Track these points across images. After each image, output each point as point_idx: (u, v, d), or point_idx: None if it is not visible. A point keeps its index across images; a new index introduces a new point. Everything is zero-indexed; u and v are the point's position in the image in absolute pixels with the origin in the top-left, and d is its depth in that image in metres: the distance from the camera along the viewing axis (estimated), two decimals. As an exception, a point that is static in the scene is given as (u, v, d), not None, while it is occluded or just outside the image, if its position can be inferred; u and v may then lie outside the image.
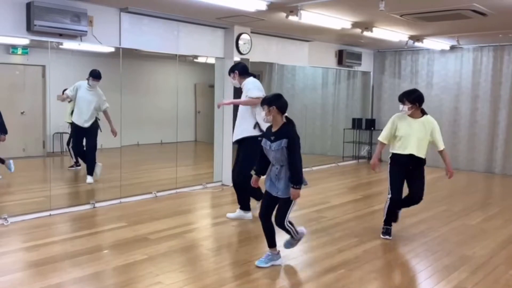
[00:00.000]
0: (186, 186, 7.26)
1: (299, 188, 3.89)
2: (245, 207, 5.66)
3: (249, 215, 5.63)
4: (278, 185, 3.96)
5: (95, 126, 7.10)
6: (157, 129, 10.03)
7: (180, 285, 3.67)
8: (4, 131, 6.59)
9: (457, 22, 6.71)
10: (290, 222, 4.10)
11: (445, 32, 7.93)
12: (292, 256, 4.43)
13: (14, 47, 6.84)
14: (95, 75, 6.88)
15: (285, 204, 4.00)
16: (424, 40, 8.54)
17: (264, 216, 4.11)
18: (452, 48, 9.61)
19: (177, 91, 7.74)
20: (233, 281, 3.78)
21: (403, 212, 6.21)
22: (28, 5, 5.25)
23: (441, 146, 4.90)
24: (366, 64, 10.74)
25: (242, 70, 5.55)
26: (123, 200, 6.36)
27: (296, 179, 3.87)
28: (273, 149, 3.90)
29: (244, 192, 5.58)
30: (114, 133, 6.97)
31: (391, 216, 5.07)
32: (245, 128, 5.40)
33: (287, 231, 4.11)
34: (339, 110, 11.00)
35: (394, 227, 5.33)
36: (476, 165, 9.44)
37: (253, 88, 5.37)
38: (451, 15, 6.21)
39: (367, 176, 9.23)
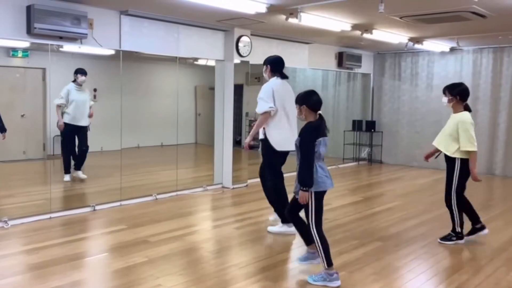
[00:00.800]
0: (186, 188, 7.26)
1: (304, 190, 3.65)
2: (283, 219, 5.12)
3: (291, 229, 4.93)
4: (296, 184, 3.82)
5: (87, 126, 7.23)
6: (158, 132, 10.01)
7: (180, 287, 3.66)
8: (3, 130, 6.60)
9: (457, 24, 6.72)
10: (320, 238, 3.73)
11: (445, 34, 7.93)
12: (294, 259, 4.43)
13: (14, 50, 6.83)
14: (82, 71, 6.90)
15: (305, 207, 3.77)
16: (424, 42, 8.55)
17: (288, 212, 4.10)
18: (452, 50, 9.62)
19: (177, 93, 7.75)
20: (234, 283, 3.78)
21: (403, 214, 6.22)
22: (28, 8, 5.26)
23: (462, 146, 4.67)
24: (366, 66, 10.75)
25: (273, 66, 5.13)
26: (123, 202, 6.36)
27: (300, 180, 3.70)
28: (296, 146, 3.80)
29: (269, 194, 5.23)
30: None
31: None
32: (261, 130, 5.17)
33: (316, 243, 3.77)
34: (339, 112, 10.99)
35: (393, 228, 5.34)
36: (477, 167, 9.36)
37: (261, 97, 5.01)
38: (450, 17, 6.22)
39: (367, 178, 9.22)
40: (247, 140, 5.16)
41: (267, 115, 4.97)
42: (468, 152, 4.70)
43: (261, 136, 5.13)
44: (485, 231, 4.94)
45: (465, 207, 4.93)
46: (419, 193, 7.68)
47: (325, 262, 3.74)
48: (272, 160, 5.13)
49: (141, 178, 8.05)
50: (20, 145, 7.31)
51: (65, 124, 7.03)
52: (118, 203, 6.30)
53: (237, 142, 10.01)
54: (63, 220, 5.57)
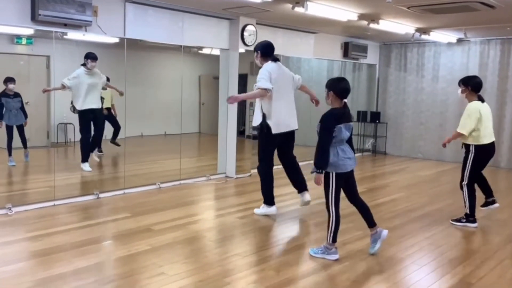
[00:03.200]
0: (190, 177, 7.26)
1: (317, 172, 3.90)
2: (267, 200, 5.44)
3: (272, 209, 5.42)
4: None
5: (101, 109, 7.28)
6: (161, 121, 10.00)
7: (183, 276, 3.66)
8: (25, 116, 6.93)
9: (465, 14, 6.64)
10: (335, 216, 4.03)
11: (453, 25, 7.85)
12: (297, 249, 4.42)
13: (19, 37, 6.80)
14: (93, 56, 6.89)
15: (325, 185, 4.03)
16: (431, 33, 8.47)
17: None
18: (459, 41, 9.53)
19: (181, 82, 7.71)
20: (237, 272, 3.78)
21: (407, 205, 6.21)
22: (33, -5, 5.23)
23: (458, 127, 5.12)
24: (372, 57, 10.67)
25: (264, 51, 5.24)
26: (127, 191, 6.36)
27: (314, 162, 3.91)
28: (317, 132, 4.00)
29: (262, 182, 5.44)
30: (120, 93, 7.10)
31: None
32: (256, 118, 5.29)
33: (328, 216, 4.09)
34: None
35: (397, 219, 5.34)
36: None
37: (261, 77, 5.09)
38: (459, 7, 6.15)
39: (372, 169, 9.19)
40: (240, 96, 5.44)
41: (265, 92, 5.02)
42: (480, 139, 5.09)
43: (255, 123, 5.27)
44: (496, 205, 5.44)
45: (481, 183, 5.42)
46: (423, 185, 7.65)
47: (331, 238, 4.04)
48: (266, 146, 5.31)
49: (145, 167, 8.05)
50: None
51: (79, 110, 7.03)
52: (121, 191, 6.31)
53: (241, 132, 9.99)
54: (67, 207, 5.58)
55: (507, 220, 5.57)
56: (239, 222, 5.22)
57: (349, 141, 4.14)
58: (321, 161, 3.87)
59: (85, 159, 7.07)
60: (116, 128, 8.16)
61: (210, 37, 7.29)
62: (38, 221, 5.00)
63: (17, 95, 6.88)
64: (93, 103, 7.07)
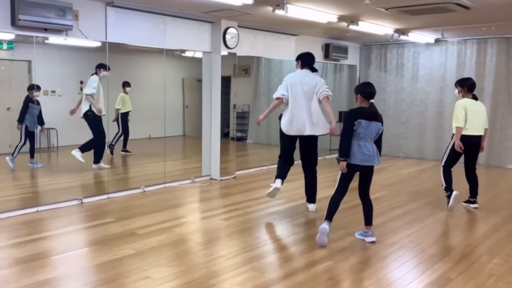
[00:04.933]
0: (174, 180, 7.27)
1: (342, 160, 4.42)
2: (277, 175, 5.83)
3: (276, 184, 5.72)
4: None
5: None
6: (145, 124, 9.98)
7: (168, 279, 3.69)
8: (42, 122, 7.22)
9: (441, 15, 6.78)
10: (332, 200, 4.67)
11: (430, 25, 8.00)
12: (281, 249, 4.48)
13: (-1, 42, 6.76)
14: (108, 67, 7.11)
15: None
16: (409, 34, 8.61)
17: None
18: (437, 41, 9.70)
19: (164, 85, 7.73)
20: (222, 274, 3.82)
21: (389, 204, 6.31)
22: (13, 0, 5.19)
23: (452, 124, 5.83)
24: (353, 58, 10.80)
25: (305, 61, 5.66)
26: (111, 195, 6.35)
27: (339, 150, 4.47)
28: None
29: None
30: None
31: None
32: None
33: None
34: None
35: (380, 218, 5.44)
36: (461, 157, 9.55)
37: (279, 86, 5.59)
38: (435, 9, 6.27)
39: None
40: (261, 116, 5.75)
41: (279, 100, 5.53)
42: (458, 130, 5.73)
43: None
44: (475, 205, 6.05)
45: (471, 182, 6.09)
46: (405, 183, 7.78)
47: (325, 215, 4.58)
48: (280, 141, 5.77)
49: (129, 170, 8.05)
50: (6, 139, 7.26)
51: (96, 116, 7.25)
52: (106, 196, 6.29)
53: (225, 134, 10.02)
54: (51, 213, 5.56)
55: (486, 216, 5.70)
56: (224, 224, 5.26)
57: (377, 141, 4.62)
58: (341, 150, 4.42)
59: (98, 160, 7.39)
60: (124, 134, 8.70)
61: (193, 40, 7.32)
62: (21, 228, 4.98)
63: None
64: (103, 111, 7.38)
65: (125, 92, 8.82)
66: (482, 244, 4.66)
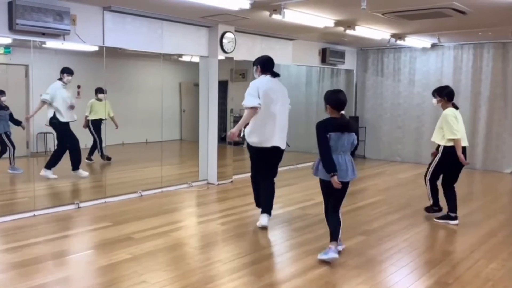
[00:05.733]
0: (171, 185, 7.26)
1: (331, 175, 4.03)
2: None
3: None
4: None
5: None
6: (142, 128, 9.97)
7: (164, 284, 3.68)
8: (18, 122, 7.15)
9: (438, 20, 6.81)
10: (326, 218, 4.39)
11: (427, 30, 8.03)
12: (278, 254, 4.47)
13: (-4, 46, 6.76)
14: (70, 71, 6.95)
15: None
16: (406, 38, 8.65)
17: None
18: (433, 46, 9.74)
19: (161, 90, 7.72)
20: (218, 279, 3.81)
21: (386, 208, 6.31)
22: (10, 4, 5.21)
23: (445, 135, 5.39)
24: (350, 62, 10.83)
25: (263, 65, 5.19)
26: (108, 199, 6.34)
27: (325, 168, 4.08)
28: None
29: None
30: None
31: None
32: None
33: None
34: (323, 108, 10.98)
35: (376, 222, 5.44)
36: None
37: (248, 93, 5.02)
38: (432, 14, 6.30)
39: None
40: (234, 130, 5.05)
41: (255, 110, 4.94)
42: (452, 141, 5.35)
43: (242, 134, 5.18)
44: (456, 221, 5.53)
45: (451, 198, 5.59)
46: (401, 187, 7.79)
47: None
48: (250, 156, 5.34)
49: (126, 175, 8.03)
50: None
51: (61, 122, 7.02)
52: (102, 200, 6.28)
53: (222, 139, 10.02)
54: (47, 217, 5.54)
55: (482, 221, 5.71)
56: (220, 228, 5.25)
57: (352, 153, 4.28)
58: (326, 167, 4.05)
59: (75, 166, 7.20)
60: (97, 141, 8.25)
61: (190, 44, 7.33)
62: (18, 232, 4.96)
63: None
64: (69, 117, 7.11)
65: (98, 99, 8.35)
66: (479, 249, 4.67)
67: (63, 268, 3.98)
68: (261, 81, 5.10)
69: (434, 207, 5.76)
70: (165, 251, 4.46)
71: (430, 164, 5.69)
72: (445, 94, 5.52)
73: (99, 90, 8.20)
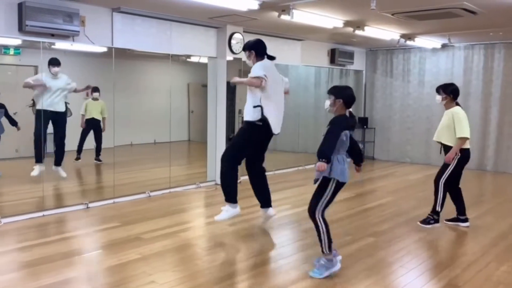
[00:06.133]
0: (179, 185, 7.26)
1: (322, 161, 3.65)
2: (229, 199, 5.02)
3: (236, 209, 5.04)
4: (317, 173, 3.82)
5: (63, 113, 6.99)
6: (150, 129, 10.01)
7: (173, 284, 3.68)
8: (14, 123, 7.07)
9: (448, 20, 6.76)
10: (324, 223, 3.85)
11: (437, 31, 7.98)
12: (287, 255, 4.45)
13: (6, 47, 6.80)
14: (54, 62, 6.68)
15: (317, 191, 3.87)
16: (416, 39, 8.59)
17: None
18: (444, 46, 9.67)
19: (170, 90, 7.74)
20: (226, 280, 3.80)
21: (395, 210, 6.26)
22: (20, 5, 5.24)
23: (457, 133, 5.15)
24: (359, 63, 10.79)
25: (260, 50, 4.92)
26: (116, 200, 6.35)
27: (320, 151, 3.70)
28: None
29: (222, 178, 5.04)
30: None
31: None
32: (247, 111, 4.88)
33: (317, 229, 3.85)
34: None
35: (385, 223, 5.40)
36: (468, 163, 9.47)
37: (255, 68, 4.77)
38: (442, 14, 6.25)
39: (360, 174, 9.26)
40: (237, 79, 4.96)
41: (259, 81, 4.66)
42: (461, 139, 5.17)
43: (248, 118, 4.85)
44: (467, 223, 5.40)
45: (458, 198, 5.44)
46: (411, 189, 7.74)
47: (327, 248, 3.85)
48: (246, 143, 4.96)
49: (134, 175, 8.05)
50: (12, 143, 7.30)
51: (41, 110, 6.64)
52: (111, 201, 6.30)
53: (230, 139, 10.02)
54: (56, 217, 5.57)
55: (493, 223, 5.65)
56: (229, 229, 5.24)
57: (353, 148, 4.02)
58: (326, 150, 3.67)
59: (37, 160, 6.81)
60: (98, 143, 8.20)
61: (198, 45, 7.34)
62: (28, 232, 4.99)
63: None
64: (57, 106, 6.84)
65: (94, 98, 8.35)
66: (490, 251, 4.61)
67: (72, 268, 3.99)
68: (265, 64, 4.87)
69: (434, 216, 5.36)
70: (174, 251, 4.45)
71: (443, 167, 5.33)
72: (450, 91, 5.28)
73: (94, 89, 8.21)
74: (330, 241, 3.87)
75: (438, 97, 5.35)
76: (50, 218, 5.52)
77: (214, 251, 4.55)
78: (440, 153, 5.45)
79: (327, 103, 3.89)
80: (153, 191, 6.84)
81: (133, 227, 5.18)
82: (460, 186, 5.47)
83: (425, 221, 5.37)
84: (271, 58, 5.02)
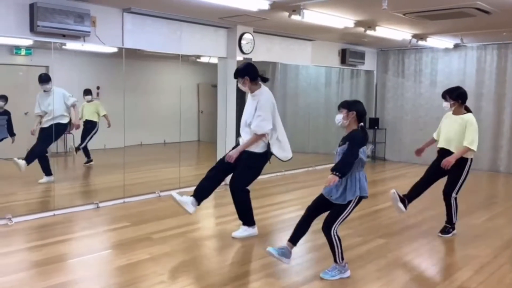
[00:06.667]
0: (189, 185, 7.22)
1: (335, 175, 3.62)
2: (248, 222, 5.02)
3: (255, 230, 5.01)
4: (336, 190, 3.77)
5: (50, 127, 6.90)
6: (160, 129, 10.04)
7: (183, 284, 3.67)
8: (12, 134, 6.93)
9: (461, 20, 6.68)
10: (338, 237, 3.82)
11: (449, 31, 7.90)
12: (297, 255, 4.42)
13: (18, 48, 6.86)
14: (40, 80, 6.75)
15: (339, 210, 3.80)
16: (428, 39, 8.52)
17: (308, 210, 4.00)
18: (456, 46, 9.57)
19: (180, 91, 7.75)
20: (237, 280, 3.78)
21: (408, 211, 6.20)
22: (32, 6, 5.27)
23: (468, 143, 4.85)
24: (370, 63, 10.72)
25: (253, 75, 4.76)
26: (126, 200, 6.37)
27: (339, 167, 3.66)
28: (337, 153, 3.76)
29: (242, 205, 5.02)
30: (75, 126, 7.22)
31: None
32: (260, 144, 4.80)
33: (331, 243, 3.82)
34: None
35: (396, 225, 5.34)
36: (481, 164, 9.37)
37: (266, 115, 4.67)
38: (454, 13, 6.19)
39: (371, 175, 9.20)
40: (233, 154, 4.75)
41: (265, 136, 4.72)
42: (469, 150, 4.90)
43: (255, 150, 4.78)
44: (454, 231, 5.13)
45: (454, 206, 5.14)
46: (423, 190, 7.65)
47: (340, 258, 3.84)
48: (258, 174, 4.97)
49: (144, 175, 8.08)
50: (23, 143, 7.33)
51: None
52: (121, 201, 6.31)
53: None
54: (67, 217, 5.59)
55: (506, 225, 5.58)
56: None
57: None
58: (347, 168, 3.66)
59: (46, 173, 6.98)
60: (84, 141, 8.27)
61: (208, 45, 7.33)
62: (38, 231, 5.01)
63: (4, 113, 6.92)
64: (45, 122, 6.92)
65: (88, 101, 8.42)
66: (503, 253, 4.55)
67: (82, 268, 3.99)
68: (270, 96, 4.82)
69: (451, 224, 5.12)
70: (184, 251, 4.45)
71: (453, 178, 5.01)
72: (457, 96, 4.94)
73: (86, 92, 8.26)
74: (342, 252, 3.85)
75: (446, 104, 5.03)
76: (60, 218, 5.55)
77: (224, 251, 4.53)
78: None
79: (339, 117, 3.83)
80: (163, 191, 6.85)
81: (143, 227, 5.18)
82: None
83: (445, 231, 5.10)
84: (265, 80, 4.92)
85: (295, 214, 5.84)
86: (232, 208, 6.31)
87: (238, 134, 7.91)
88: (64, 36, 5.57)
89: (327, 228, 3.82)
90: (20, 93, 7.38)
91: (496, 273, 4.02)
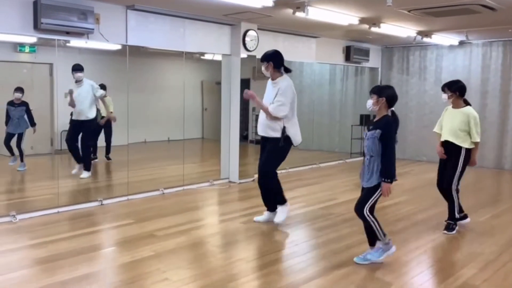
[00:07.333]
0: (193, 183, 7.26)
1: (390, 182, 3.79)
2: (281, 201, 5.27)
3: (288, 206, 5.31)
4: (366, 175, 3.92)
5: (90, 120, 7.13)
6: (164, 127, 10.04)
7: (187, 281, 3.67)
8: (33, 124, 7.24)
9: (466, 17, 6.65)
10: (373, 216, 3.94)
11: (454, 27, 7.86)
12: (301, 253, 4.42)
13: (22, 45, 6.85)
14: (74, 68, 6.90)
15: (368, 192, 3.92)
16: (433, 36, 8.48)
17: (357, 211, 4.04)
18: (461, 43, 9.53)
19: (184, 88, 7.75)
20: (241, 277, 3.78)
21: (411, 208, 6.18)
22: (35, 3, 5.27)
23: (474, 139, 5.01)
24: (374, 60, 10.68)
25: (278, 63, 5.02)
26: (130, 197, 6.37)
27: (387, 172, 3.79)
28: (367, 138, 3.87)
29: (277, 186, 5.24)
30: (112, 119, 7.45)
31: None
32: (271, 128, 5.04)
33: (367, 225, 3.97)
34: (346, 106, 10.95)
35: (402, 222, 5.32)
36: (486, 161, 9.33)
37: (285, 100, 4.92)
38: (459, 10, 6.15)
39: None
40: (255, 97, 5.07)
41: (279, 119, 4.99)
42: (473, 143, 5.06)
43: (277, 135, 5.02)
44: (468, 219, 5.30)
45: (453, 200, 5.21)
46: (427, 188, 7.61)
47: (382, 234, 4.00)
48: (283, 157, 5.21)
49: (148, 173, 8.08)
50: (28, 140, 7.36)
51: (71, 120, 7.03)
52: (125, 198, 6.32)
53: (243, 137, 9.99)
54: (71, 214, 5.60)
55: (510, 223, 5.54)
56: (242, 227, 5.22)
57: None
58: (394, 169, 3.79)
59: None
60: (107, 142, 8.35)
61: (212, 43, 7.32)
62: (42, 228, 5.02)
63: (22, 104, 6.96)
64: (80, 115, 7.07)
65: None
66: (508, 251, 4.52)
67: (86, 265, 4.00)
68: (291, 84, 5.06)
69: (454, 221, 5.16)
70: (188, 249, 4.44)
71: (451, 170, 5.06)
72: (456, 89, 5.05)
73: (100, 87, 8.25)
74: (382, 229, 3.99)
75: (444, 96, 5.14)
76: (64, 215, 5.56)
77: (228, 248, 4.53)
78: (445, 152, 5.15)
79: (370, 102, 3.91)
80: (167, 188, 6.85)
81: (147, 224, 5.19)
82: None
83: (449, 228, 5.10)
84: (288, 70, 5.13)
85: (300, 211, 5.85)
86: (235, 205, 6.34)
87: (242, 131, 7.92)
88: (67, 33, 5.57)
89: (359, 210, 3.97)
90: (25, 90, 7.39)
91: (501, 271, 4.00)
